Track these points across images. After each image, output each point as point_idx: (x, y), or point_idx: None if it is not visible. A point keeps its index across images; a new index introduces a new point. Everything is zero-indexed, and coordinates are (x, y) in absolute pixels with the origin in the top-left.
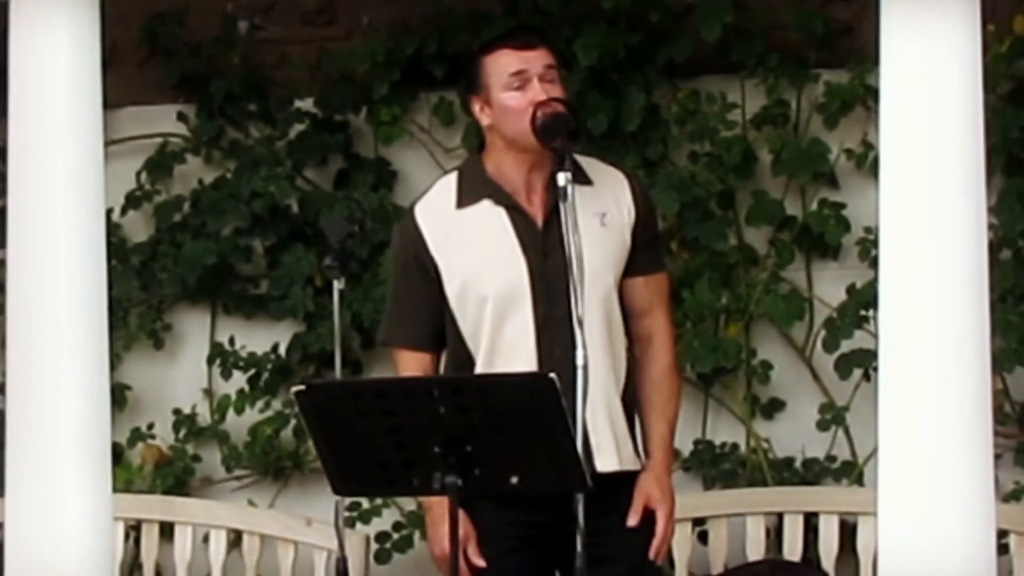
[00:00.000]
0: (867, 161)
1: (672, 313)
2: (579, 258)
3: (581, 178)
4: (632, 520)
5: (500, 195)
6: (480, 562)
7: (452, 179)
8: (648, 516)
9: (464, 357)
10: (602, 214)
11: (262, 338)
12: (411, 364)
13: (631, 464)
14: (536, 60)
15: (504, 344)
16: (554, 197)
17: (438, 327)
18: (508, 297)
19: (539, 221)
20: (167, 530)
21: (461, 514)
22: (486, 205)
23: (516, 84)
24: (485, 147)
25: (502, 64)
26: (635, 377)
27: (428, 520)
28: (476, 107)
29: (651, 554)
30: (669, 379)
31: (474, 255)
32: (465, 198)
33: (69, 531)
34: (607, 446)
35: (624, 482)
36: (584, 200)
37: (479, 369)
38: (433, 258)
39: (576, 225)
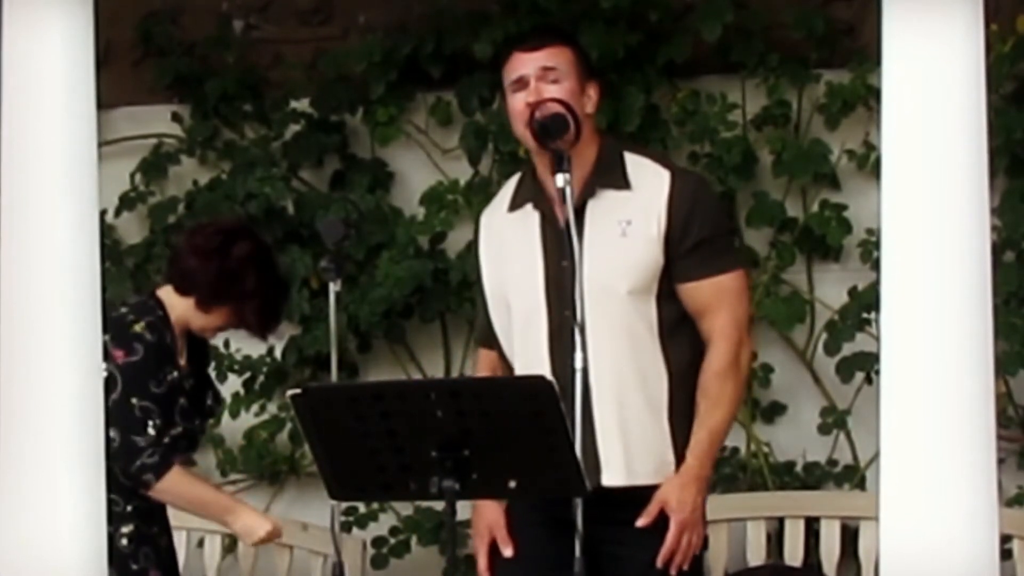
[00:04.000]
0: (869, 162)
1: (739, 314)
2: (578, 261)
3: (619, 183)
4: (641, 521)
5: (540, 200)
6: (508, 551)
7: (514, 180)
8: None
9: (508, 362)
10: (626, 222)
11: (257, 341)
12: (481, 361)
13: (648, 479)
14: (536, 61)
15: (524, 351)
16: (584, 199)
17: None
18: (526, 303)
19: (562, 224)
20: None
21: (493, 503)
22: (528, 209)
23: (516, 86)
24: None
25: (509, 67)
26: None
27: None
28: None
29: (658, 562)
30: (717, 385)
31: (504, 259)
32: (515, 201)
33: (63, 535)
34: (615, 460)
35: (647, 495)
36: (612, 205)
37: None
38: (479, 258)
39: (574, 226)
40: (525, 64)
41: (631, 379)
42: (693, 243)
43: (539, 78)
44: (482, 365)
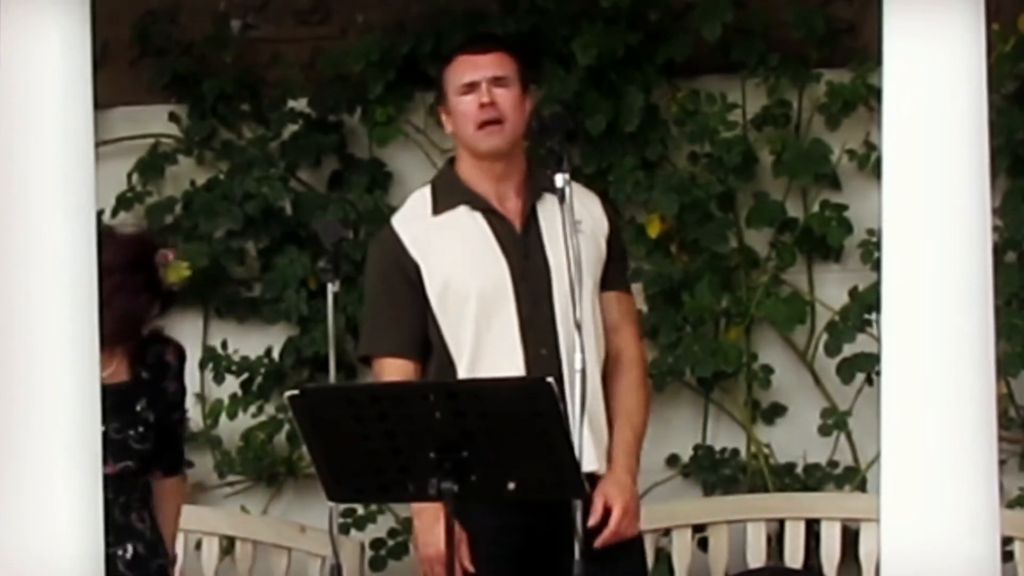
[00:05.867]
0: (869, 162)
1: (640, 332)
2: (577, 260)
3: (556, 189)
4: (591, 520)
5: (475, 200)
6: (471, 568)
7: (426, 190)
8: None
9: (446, 362)
10: (577, 222)
11: (255, 342)
12: (395, 373)
13: (604, 467)
14: (488, 65)
15: (489, 344)
16: (531, 202)
17: (421, 334)
18: (491, 296)
19: (517, 225)
20: None
21: (438, 536)
22: (462, 211)
23: (466, 89)
24: (457, 157)
25: (456, 70)
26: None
27: (418, 524)
28: (443, 116)
29: (598, 542)
30: (638, 392)
31: (455, 256)
32: (441, 205)
33: (59, 537)
34: (589, 447)
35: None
36: (558, 207)
37: (462, 373)
38: (414, 260)
39: (574, 227)
40: (476, 66)
41: (593, 370)
42: (619, 252)
43: (491, 82)
44: (391, 377)
